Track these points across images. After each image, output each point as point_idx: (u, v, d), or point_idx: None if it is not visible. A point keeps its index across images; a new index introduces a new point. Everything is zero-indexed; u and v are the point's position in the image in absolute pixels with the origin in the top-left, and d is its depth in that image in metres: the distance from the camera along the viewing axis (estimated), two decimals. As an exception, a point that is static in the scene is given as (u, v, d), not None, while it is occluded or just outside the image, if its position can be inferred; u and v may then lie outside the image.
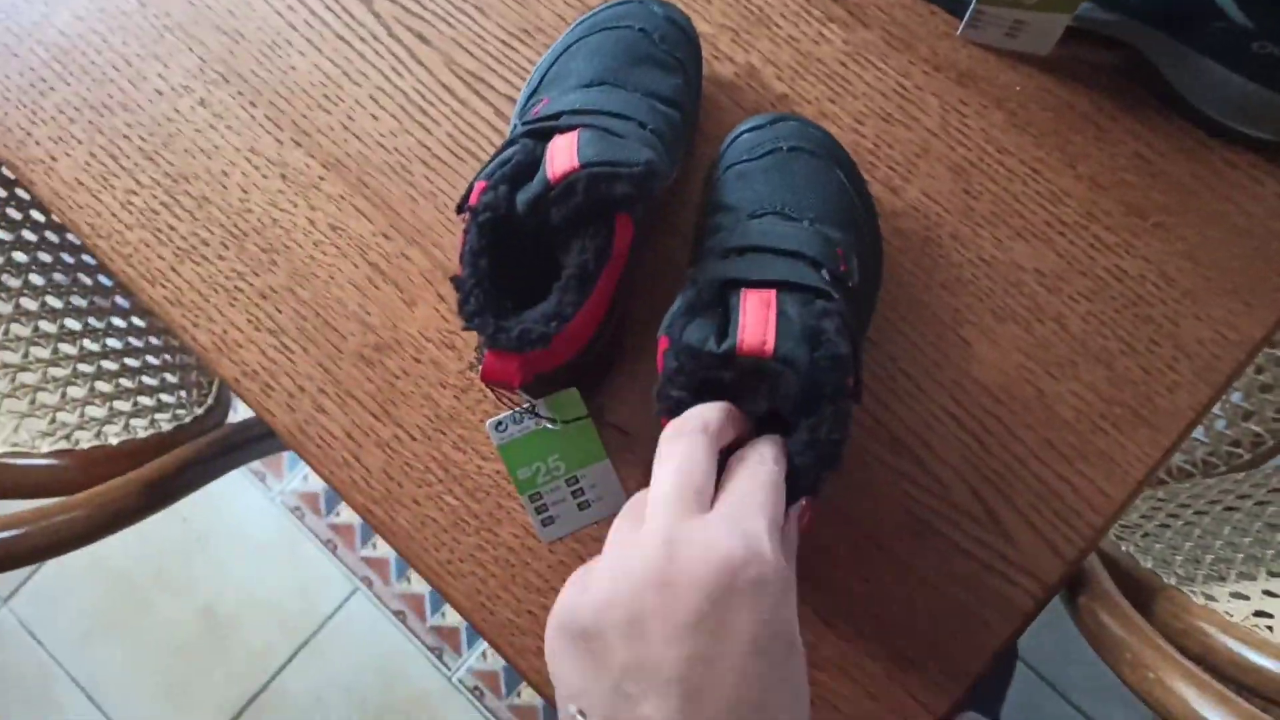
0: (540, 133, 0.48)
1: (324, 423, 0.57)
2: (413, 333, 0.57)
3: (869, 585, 0.53)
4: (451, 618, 1.43)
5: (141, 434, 0.64)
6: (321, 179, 0.60)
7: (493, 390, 0.53)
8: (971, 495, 0.53)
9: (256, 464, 1.52)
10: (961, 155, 0.57)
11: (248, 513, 1.49)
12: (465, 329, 0.45)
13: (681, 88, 0.54)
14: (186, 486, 0.63)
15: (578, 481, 0.54)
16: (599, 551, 0.55)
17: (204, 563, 1.48)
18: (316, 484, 1.50)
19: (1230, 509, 0.68)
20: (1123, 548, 0.62)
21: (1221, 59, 0.52)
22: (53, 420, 0.61)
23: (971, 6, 0.56)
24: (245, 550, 1.48)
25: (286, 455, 1.52)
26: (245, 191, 0.60)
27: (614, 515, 0.54)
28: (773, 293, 0.43)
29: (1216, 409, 0.89)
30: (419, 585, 1.45)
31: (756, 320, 0.42)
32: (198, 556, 1.49)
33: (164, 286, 0.59)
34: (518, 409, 0.52)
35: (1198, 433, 0.90)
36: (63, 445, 0.59)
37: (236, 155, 0.60)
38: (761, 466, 0.38)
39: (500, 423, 0.53)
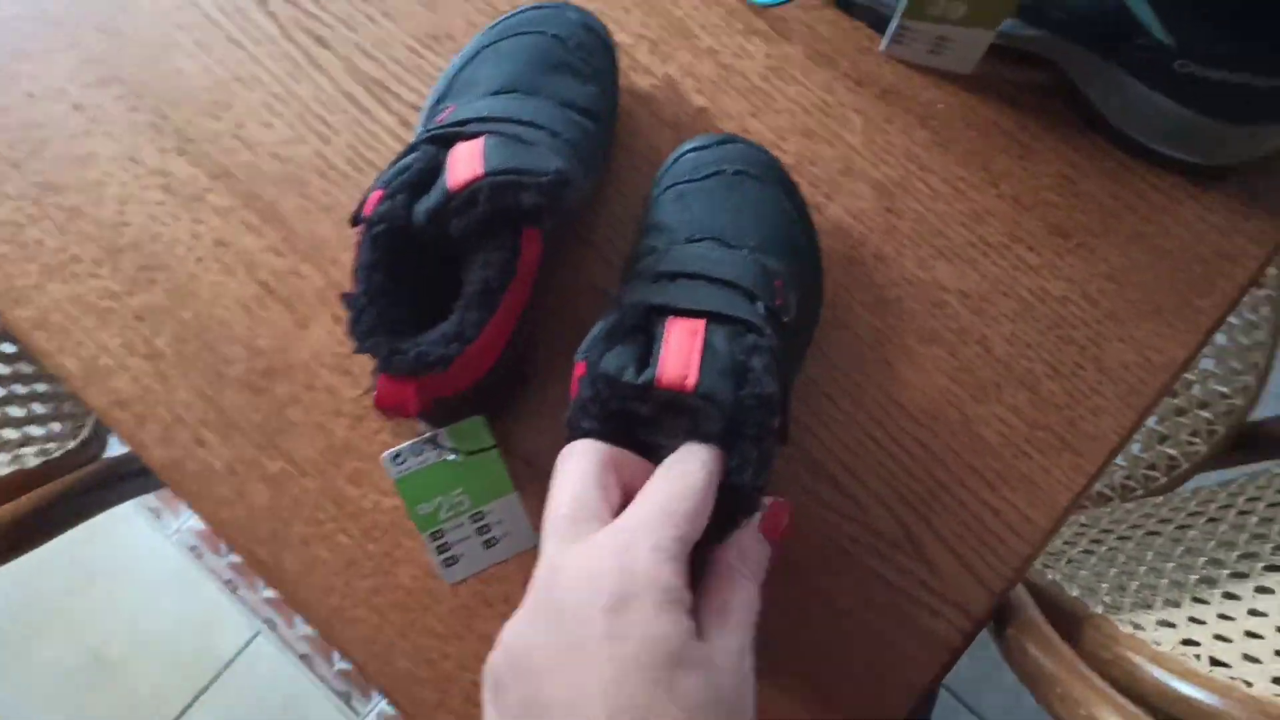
0: (443, 139, 0.45)
1: (204, 456, 0.52)
2: (304, 357, 0.53)
3: (786, 618, 0.50)
4: (363, 656, 1.37)
5: (2, 471, 0.58)
6: (208, 190, 0.55)
7: (388, 419, 0.49)
8: (894, 522, 0.51)
9: (151, 500, 1.44)
10: (885, 173, 0.56)
11: (141, 552, 1.41)
12: (357, 351, 0.42)
13: (597, 97, 0.52)
14: (53, 527, 0.58)
15: (483, 517, 0.50)
16: (506, 592, 0.51)
17: (93, 605, 1.39)
18: (219, 518, 1.42)
19: (1152, 534, 0.67)
20: (1048, 575, 0.60)
21: (1144, 77, 0.51)
22: (-103, 454, 0.55)
23: (895, 22, 0.54)
24: (139, 592, 1.39)
25: (187, 487, 1.44)
26: (123, 203, 0.55)
27: (522, 553, 0.51)
28: (701, 323, 0.41)
29: (1133, 433, 0.89)
30: (328, 623, 1.38)
31: (680, 351, 0.39)
32: (86, 599, 1.39)
33: (28, 307, 0.53)
34: (417, 440, 0.48)
35: (1115, 457, 0.90)
36: (-93, 482, 0.53)
37: (114, 164, 0.56)
38: (676, 472, 0.36)
39: (398, 455, 0.49)
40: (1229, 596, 0.56)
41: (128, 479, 0.65)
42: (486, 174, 0.42)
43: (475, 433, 0.49)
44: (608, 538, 0.34)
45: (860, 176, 0.56)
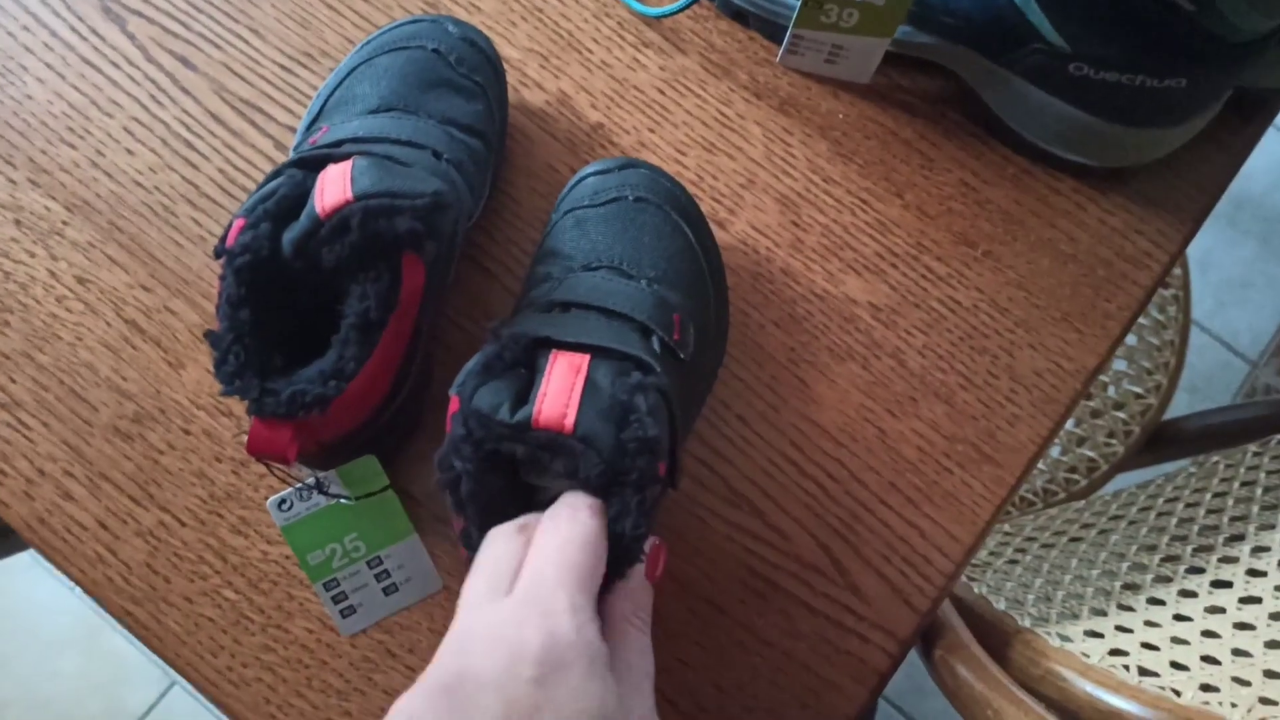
0: (313, 162, 0.42)
1: (71, 511, 0.48)
2: (180, 399, 0.49)
3: (709, 654, 0.48)
4: (282, 708, 1.30)
5: None
6: (65, 224, 0.51)
7: (267, 466, 0.46)
8: (817, 547, 0.49)
9: (50, 552, 1.35)
10: (788, 186, 0.54)
11: (38, 603, 1.32)
12: (224, 394, 0.38)
13: (483, 115, 0.49)
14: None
15: (381, 563, 0.47)
16: (411, 641, 0.48)
17: (-14, 669, 1.30)
18: (122, 570, 1.34)
19: (1075, 540, 0.67)
20: (975, 589, 0.59)
21: (1039, 82, 0.51)
22: None
23: (789, 32, 0.53)
24: (33, 646, 1.30)
25: (86, 540, 1.36)
26: (-31, 241, 0.51)
27: (424, 599, 0.47)
28: (585, 358, 0.38)
29: (1051, 438, 0.89)
30: (244, 674, 1.31)
31: (560, 389, 0.37)
32: (-24, 661, 1.30)
33: None
34: (303, 484, 0.45)
35: (1035, 462, 0.90)
36: None
37: (-42, 199, 0.51)
38: (567, 524, 0.34)
39: (284, 500, 0.45)
40: (1154, 602, 0.56)
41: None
42: (356, 197, 0.39)
43: (367, 473, 0.46)
44: (519, 603, 0.31)
45: (764, 190, 0.54)
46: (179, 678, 1.36)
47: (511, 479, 0.38)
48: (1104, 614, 0.56)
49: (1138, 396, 0.96)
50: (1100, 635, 0.53)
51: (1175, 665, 0.50)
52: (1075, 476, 0.94)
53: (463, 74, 0.48)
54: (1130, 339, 0.98)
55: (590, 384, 0.37)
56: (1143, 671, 0.49)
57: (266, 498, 0.48)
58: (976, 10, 0.49)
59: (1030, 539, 0.70)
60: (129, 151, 0.52)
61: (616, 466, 0.35)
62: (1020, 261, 0.54)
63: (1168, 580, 0.58)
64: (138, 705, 1.30)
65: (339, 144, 0.44)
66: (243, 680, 0.47)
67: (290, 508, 0.46)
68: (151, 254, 0.51)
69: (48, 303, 0.50)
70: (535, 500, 0.39)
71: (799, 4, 0.51)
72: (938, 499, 0.50)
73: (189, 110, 0.53)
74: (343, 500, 0.46)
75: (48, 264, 0.50)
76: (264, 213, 0.39)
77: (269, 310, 0.40)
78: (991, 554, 0.68)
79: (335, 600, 0.47)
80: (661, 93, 0.55)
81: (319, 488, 0.44)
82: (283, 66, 0.54)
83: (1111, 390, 0.96)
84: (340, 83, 0.48)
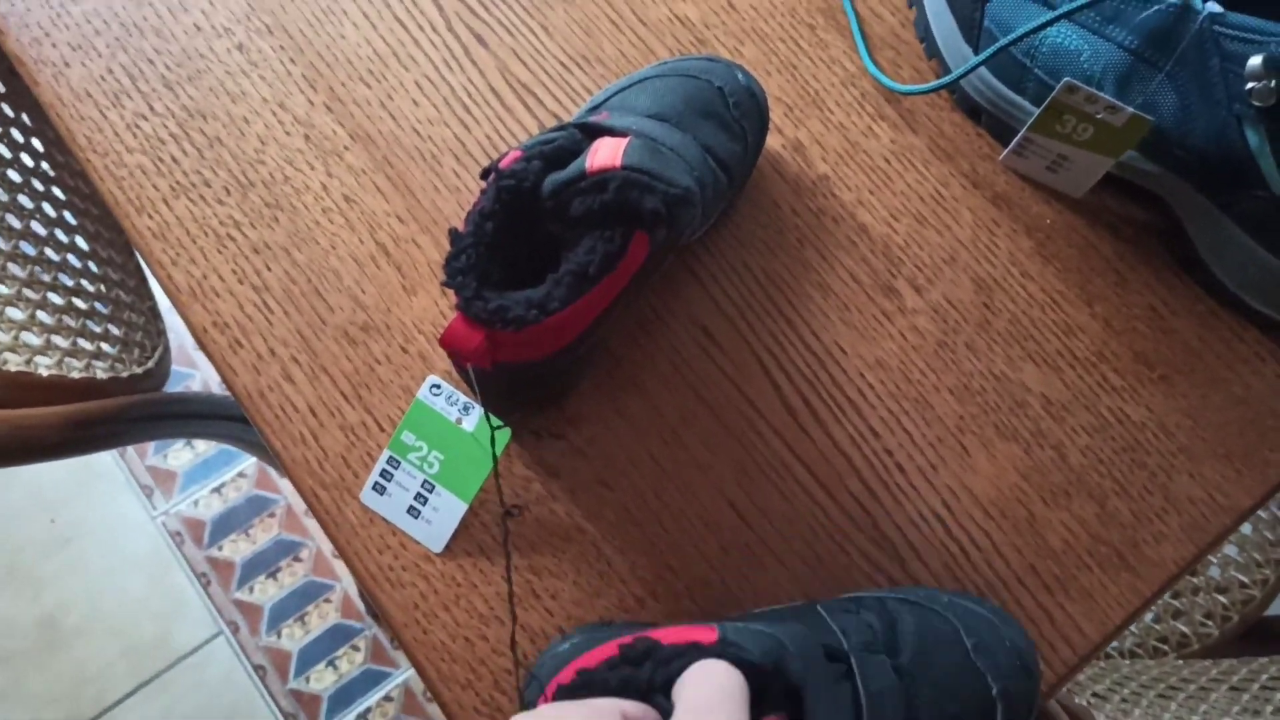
0: (592, 130, 0.47)
1: (288, 392, 0.52)
2: (406, 321, 0.54)
3: (831, 680, 0.49)
4: (315, 684, 1.32)
5: (74, 375, 0.58)
6: (346, 149, 0.57)
7: (455, 363, 0.50)
8: (949, 607, 0.51)
9: (146, 478, 1.42)
10: (986, 271, 0.58)
11: (123, 526, 1.38)
12: (445, 285, 0.43)
13: (738, 155, 0.54)
14: (109, 438, 0.57)
15: (431, 492, 0.51)
16: (551, 586, 0.51)
17: (61, 568, 1.35)
18: (205, 511, 1.40)
19: (1174, 689, 0.67)
20: (1075, 699, 0.59)
21: (1250, 228, 0.54)
22: (-17, 333, 0.55)
23: (1020, 134, 0.57)
24: (110, 565, 1.36)
25: (180, 475, 1.42)
26: (263, 143, 0.57)
27: (421, 544, 0.51)
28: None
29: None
30: (288, 642, 1.34)
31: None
32: (57, 559, 1.36)
33: (151, 217, 0.55)
34: (461, 393, 0.49)
35: (1129, 621, 0.90)
36: (-12, 361, 0.53)
37: (263, 106, 0.58)
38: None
39: (438, 386, 0.50)
40: (1255, 757, 0.56)
41: (178, 419, 0.65)
42: (623, 167, 0.44)
43: (497, 437, 0.50)
44: None
45: (963, 269, 0.58)
46: (226, 629, 1.38)
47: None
48: (1205, 756, 0.56)
49: (1242, 585, 0.95)
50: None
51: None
52: (1164, 647, 0.93)
53: (735, 116, 0.53)
54: (1245, 528, 0.98)
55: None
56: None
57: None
58: (1210, 149, 0.52)
59: (1126, 678, 0.70)
60: (415, 102, 0.58)
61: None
62: (1194, 392, 0.56)
63: (1271, 744, 0.58)
64: (184, 643, 1.34)
65: (615, 128, 0.49)
66: (399, 582, 0.50)
67: (438, 395, 0.51)
68: (412, 191, 0.56)
69: (315, 210, 0.56)
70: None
71: (1039, 110, 0.55)
72: (1073, 592, 0.52)
73: (474, 80, 0.59)
74: (468, 429, 0.50)
75: (323, 178, 0.56)
76: (540, 152, 0.45)
77: (505, 233, 0.45)
78: (1091, 679, 0.69)
79: (382, 474, 0.51)
80: (888, 162, 0.60)
81: (467, 409, 0.48)
82: (562, 64, 0.60)
83: (1216, 571, 0.96)
84: (628, 87, 0.53)
